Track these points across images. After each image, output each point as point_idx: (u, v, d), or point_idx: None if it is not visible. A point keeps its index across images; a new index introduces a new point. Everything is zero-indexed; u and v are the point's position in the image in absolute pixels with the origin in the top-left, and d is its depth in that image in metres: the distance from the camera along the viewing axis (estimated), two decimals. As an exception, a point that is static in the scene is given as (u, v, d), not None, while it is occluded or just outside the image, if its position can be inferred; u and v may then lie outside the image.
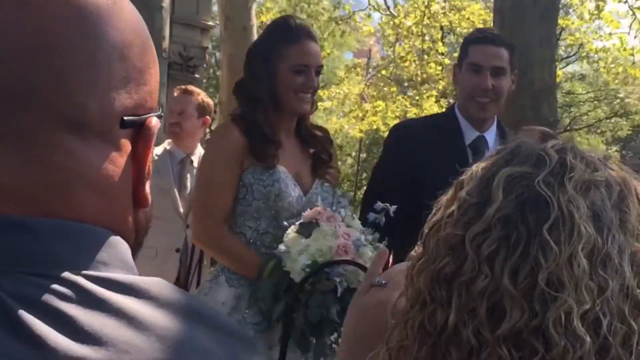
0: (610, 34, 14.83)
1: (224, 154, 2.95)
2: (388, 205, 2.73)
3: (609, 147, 26.47)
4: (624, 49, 14.20)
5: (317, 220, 2.72)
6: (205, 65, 10.48)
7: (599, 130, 25.64)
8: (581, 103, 24.19)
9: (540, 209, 0.96)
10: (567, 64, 22.22)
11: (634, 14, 13.13)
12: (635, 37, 14.13)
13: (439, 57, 16.16)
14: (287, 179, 2.96)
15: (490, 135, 3.37)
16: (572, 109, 24.30)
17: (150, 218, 0.85)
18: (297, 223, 2.76)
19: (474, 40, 3.40)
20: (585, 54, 18.15)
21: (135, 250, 0.80)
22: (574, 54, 21.49)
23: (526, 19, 8.16)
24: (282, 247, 2.71)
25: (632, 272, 0.96)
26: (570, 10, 16.22)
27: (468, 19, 15.48)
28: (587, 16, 14.17)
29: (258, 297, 2.83)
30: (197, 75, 9.68)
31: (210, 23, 10.48)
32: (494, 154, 1.07)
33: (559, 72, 16.87)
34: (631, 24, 13.63)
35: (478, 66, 3.29)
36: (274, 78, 2.98)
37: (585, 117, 24.97)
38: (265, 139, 2.95)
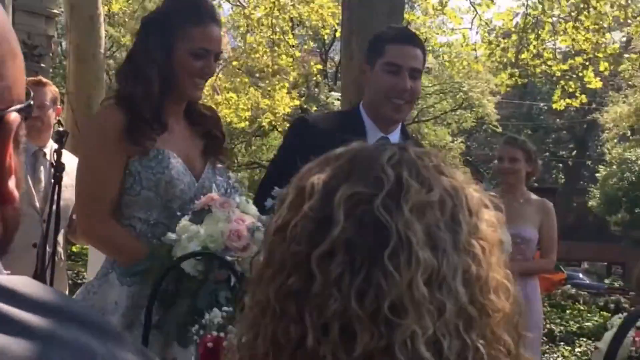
0: (453, 30, 15.39)
1: (106, 139, 2.68)
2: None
3: (455, 138, 27.44)
4: (467, 44, 14.76)
5: (209, 207, 2.58)
6: (51, 54, 10.14)
7: (445, 122, 26.52)
8: (428, 95, 24.93)
9: (379, 234, 0.99)
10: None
11: (475, 10, 13.65)
12: (477, 32, 14.70)
13: (290, 49, 16.26)
14: (177, 165, 2.74)
15: (394, 137, 3.26)
16: (419, 101, 24.99)
17: (19, 213, 0.83)
18: (190, 211, 2.61)
19: (391, 39, 3.21)
20: (430, 48, 18.71)
21: (5, 247, 0.78)
22: (419, 48, 22.08)
23: (374, 13, 8.34)
24: (171, 235, 2.56)
25: (465, 291, 1.00)
26: (416, 6, 16.72)
27: (317, 11, 15.65)
28: (431, 12, 14.61)
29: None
30: (43, 65, 9.34)
31: (56, 11, 10.12)
32: (334, 157, 1.09)
33: (406, 65, 17.30)
34: (473, 20, 14.18)
35: (396, 66, 3.14)
36: (169, 57, 2.75)
37: (432, 109, 25.78)
38: (146, 121, 2.71)
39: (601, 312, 14.82)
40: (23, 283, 0.71)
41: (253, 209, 2.63)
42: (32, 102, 0.84)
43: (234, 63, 18.10)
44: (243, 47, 17.41)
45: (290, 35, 16.47)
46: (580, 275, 32.67)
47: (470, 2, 13.51)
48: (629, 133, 27.68)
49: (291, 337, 0.99)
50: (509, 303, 1.05)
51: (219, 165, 2.94)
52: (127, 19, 20.47)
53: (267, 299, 1.02)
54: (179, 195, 2.73)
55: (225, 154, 3.00)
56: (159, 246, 2.62)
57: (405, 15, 12.01)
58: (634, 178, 30.61)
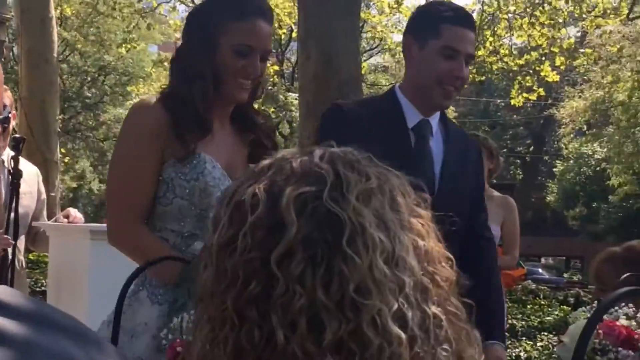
0: (409, 28, 15.40)
1: (144, 136, 2.46)
2: None
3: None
4: (423, 42, 14.81)
5: None
6: (3, 59, 9.96)
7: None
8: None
9: (334, 225, 1.03)
10: (370, 56, 22.89)
11: (430, 8, 13.69)
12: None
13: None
14: (214, 171, 2.50)
15: (434, 120, 3.03)
16: (377, 100, 25.03)
17: None
18: None
19: (448, 19, 2.92)
20: (387, 46, 18.75)
21: None
22: (376, 47, 22.16)
23: (330, 12, 8.31)
24: (199, 245, 2.35)
25: (418, 264, 1.07)
26: (371, 4, 16.73)
27: (273, 10, 15.57)
28: (387, 10, 14.64)
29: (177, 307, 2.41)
30: (-7, 71, 9.16)
31: (7, 15, 9.95)
32: (265, 168, 1.12)
33: (364, 64, 17.36)
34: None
35: (455, 51, 2.90)
36: (214, 55, 2.54)
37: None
38: (196, 120, 2.48)
39: (561, 306, 14.97)
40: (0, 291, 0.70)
41: None
42: (10, 112, 0.78)
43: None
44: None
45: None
46: (540, 270, 33.00)
47: (426, 1, 13.53)
48: (585, 128, 28.01)
49: (255, 341, 1.02)
50: (453, 271, 1.13)
51: None
52: (80, 22, 20.22)
53: (224, 311, 1.05)
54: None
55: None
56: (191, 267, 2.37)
57: (361, 14, 12.00)
58: (590, 172, 31.00)
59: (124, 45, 16.61)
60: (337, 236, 1.03)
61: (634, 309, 2.80)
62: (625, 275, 2.79)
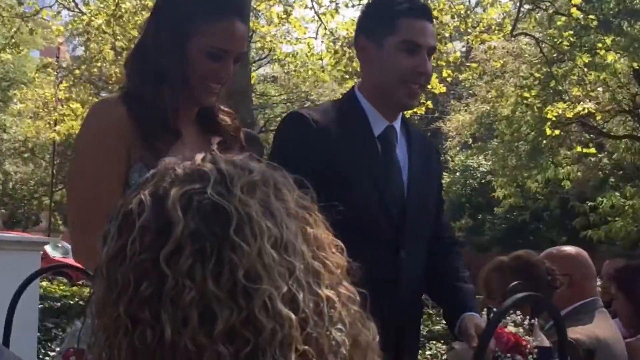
0: (298, 39, 15.43)
1: (106, 138, 2.24)
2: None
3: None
4: (312, 54, 14.84)
5: None
6: None
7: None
8: (274, 105, 24.99)
9: (221, 218, 1.06)
10: (260, 67, 22.83)
11: (320, 19, 13.74)
12: (322, 42, 14.81)
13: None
14: None
15: (397, 124, 2.85)
16: (266, 111, 25.02)
17: None
18: None
19: (404, 12, 2.73)
20: (276, 57, 18.73)
21: None
22: (265, 57, 22.12)
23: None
24: None
25: (307, 249, 1.12)
26: (260, 14, 16.66)
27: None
28: (276, 20, 14.61)
29: None
30: None
31: None
32: (147, 180, 1.14)
33: (253, 74, 17.28)
34: (317, 30, 14.26)
35: (415, 45, 2.69)
36: (182, 55, 2.31)
37: (279, 118, 25.83)
38: (164, 125, 2.28)
39: None
40: None
41: None
42: None
43: (76, 72, 17.47)
44: (84, 56, 16.87)
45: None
46: (428, 279, 33.40)
47: (315, 12, 13.60)
48: (470, 141, 28.69)
49: (148, 341, 1.04)
50: (344, 258, 1.18)
51: None
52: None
53: (117, 318, 1.06)
54: None
55: None
56: None
57: (250, 24, 11.91)
58: (476, 185, 31.74)
59: (8, 50, 16.06)
60: (225, 227, 1.06)
61: (521, 316, 2.83)
62: (513, 283, 2.82)
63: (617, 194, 21.55)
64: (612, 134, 20.91)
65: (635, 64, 16.21)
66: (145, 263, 1.05)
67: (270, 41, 16.40)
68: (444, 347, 11.33)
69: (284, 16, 13.91)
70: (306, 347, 1.07)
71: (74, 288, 11.88)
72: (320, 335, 1.08)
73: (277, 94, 24.60)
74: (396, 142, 2.80)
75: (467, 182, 32.58)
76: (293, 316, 1.05)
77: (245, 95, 8.55)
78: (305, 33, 14.76)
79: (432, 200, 2.94)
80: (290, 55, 15.86)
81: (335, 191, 2.29)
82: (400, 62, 2.69)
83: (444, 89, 13.65)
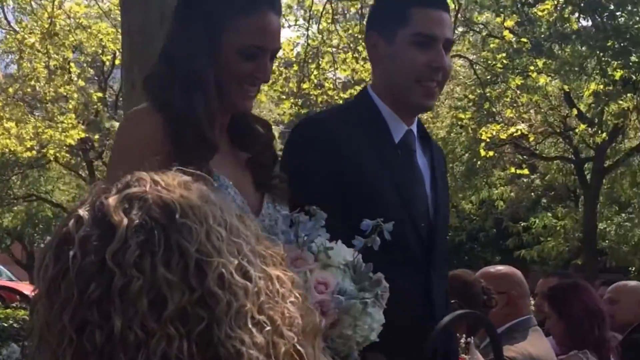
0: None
1: (137, 153, 1.88)
2: (381, 221, 1.95)
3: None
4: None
5: None
6: None
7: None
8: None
9: (165, 208, 1.09)
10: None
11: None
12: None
13: (71, 76, 15.66)
14: (236, 198, 2.03)
15: (414, 128, 2.56)
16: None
17: None
18: None
19: (418, 1, 2.46)
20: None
21: None
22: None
23: (155, 41, 8.13)
24: None
25: (251, 234, 1.16)
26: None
27: (96, 37, 15.21)
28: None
29: None
30: None
31: None
32: (74, 208, 1.14)
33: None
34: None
35: (429, 38, 2.42)
36: (215, 55, 2.07)
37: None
38: (202, 137, 2.03)
39: None
40: None
41: (339, 255, 1.88)
42: None
43: (10, 90, 17.14)
44: (17, 74, 16.58)
45: (72, 64, 15.88)
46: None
47: None
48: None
49: (97, 341, 1.05)
50: (280, 248, 1.22)
51: (278, 203, 2.15)
52: None
53: (61, 331, 1.06)
54: None
55: (283, 187, 2.21)
56: None
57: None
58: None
59: None
60: (170, 215, 1.09)
61: (457, 335, 2.87)
62: (451, 302, 2.86)
63: (549, 214, 21.96)
64: (544, 155, 21.31)
65: (566, 87, 16.57)
66: (91, 267, 1.06)
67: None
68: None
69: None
70: (261, 316, 1.09)
71: (8, 310, 11.62)
72: (273, 307, 1.11)
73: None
74: (414, 149, 2.55)
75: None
76: (248, 284, 1.08)
77: (182, 114, 8.45)
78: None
79: (448, 211, 2.71)
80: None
81: (359, 207, 2.20)
82: (414, 58, 2.42)
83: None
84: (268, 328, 1.09)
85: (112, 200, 1.11)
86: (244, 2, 2.09)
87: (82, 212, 1.11)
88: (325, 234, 1.92)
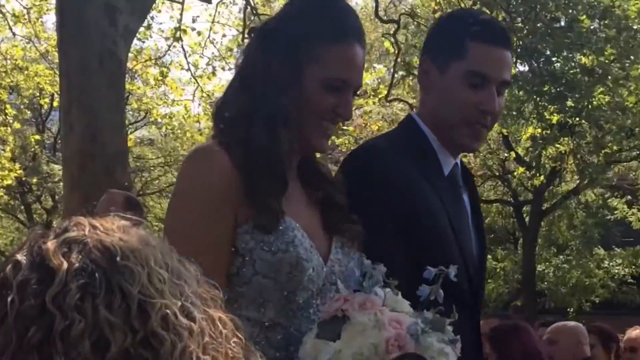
0: (175, 101, 15.36)
1: (211, 196, 1.84)
2: (445, 268, 1.84)
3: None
4: (189, 116, 14.78)
5: (344, 312, 1.74)
6: None
7: (170, 195, 26.27)
8: (152, 168, 24.63)
9: (105, 251, 1.09)
10: (136, 129, 22.55)
11: (196, 82, 13.72)
12: (199, 104, 14.78)
13: (7, 119, 15.43)
14: (304, 241, 1.87)
15: (459, 161, 2.43)
16: (143, 174, 24.62)
17: None
18: (316, 324, 1.78)
19: (479, 34, 2.27)
20: (153, 119, 18.56)
21: None
22: (141, 119, 21.86)
23: (93, 83, 8.06)
24: (282, 340, 1.82)
25: (195, 275, 1.18)
26: (136, 76, 16.51)
27: (34, 79, 15.03)
28: (152, 82, 14.51)
29: None
30: None
31: None
32: (9, 255, 1.12)
33: (130, 136, 17.04)
34: (194, 92, 14.22)
35: (484, 78, 2.25)
36: (299, 87, 1.91)
37: (157, 181, 25.48)
38: (276, 177, 1.88)
39: None
40: None
41: (406, 304, 1.79)
42: None
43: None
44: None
45: (8, 106, 15.65)
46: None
47: (192, 74, 13.56)
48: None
49: None
50: (219, 292, 1.22)
51: (348, 246, 1.99)
52: None
53: None
54: (306, 285, 1.85)
55: (355, 229, 2.02)
56: None
57: (127, 86, 11.78)
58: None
59: None
60: (111, 258, 1.09)
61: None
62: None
63: (489, 256, 22.18)
64: (483, 198, 21.58)
65: (504, 130, 16.86)
66: (31, 310, 1.05)
67: (147, 103, 16.25)
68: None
69: (161, 78, 13.82)
70: (205, 357, 1.10)
71: None
72: (217, 348, 1.12)
73: (154, 157, 24.27)
74: (460, 183, 2.40)
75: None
76: (192, 324, 1.09)
77: (123, 158, 8.36)
78: (182, 95, 14.71)
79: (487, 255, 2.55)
80: (167, 117, 15.74)
81: (420, 240, 2.09)
82: (463, 97, 2.26)
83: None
84: None
85: (50, 244, 1.10)
86: (333, 31, 1.94)
87: (20, 257, 1.10)
88: (384, 288, 1.83)
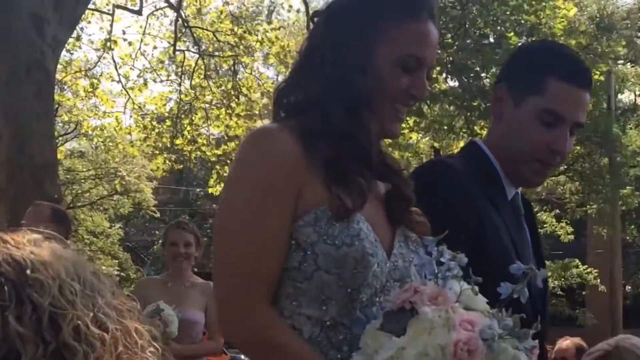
0: (106, 113, 15.17)
1: (274, 181, 1.68)
2: (534, 267, 1.68)
3: (113, 224, 26.92)
4: (121, 128, 14.61)
5: (412, 304, 1.57)
6: None
7: (101, 208, 25.92)
8: (82, 180, 24.28)
9: (14, 264, 1.09)
10: (66, 141, 22.21)
11: (127, 94, 13.57)
12: (130, 117, 14.60)
13: None
14: (369, 234, 1.71)
15: (519, 190, 2.38)
16: (74, 186, 24.26)
17: None
18: (382, 312, 1.62)
19: (561, 72, 2.21)
20: (83, 131, 18.28)
21: None
22: (71, 131, 21.55)
23: (21, 94, 7.93)
24: (357, 357, 1.60)
25: (108, 290, 1.17)
26: (66, 87, 16.26)
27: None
28: (82, 94, 14.31)
29: None
30: None
31: None
32: None
33: (60, 148, 16.76)
34: (126, 104, 14.06)
35: (559, 118, 2.19)
36: (370, 68, 1.78)
37: (88, 194, 25.12)
38: (362, 161, 1.76)
39: None
40: None
41: (483, 303, 1.62)
42: None
43: None
44: None
45: None
46: (242, 357, 33.45)
47: (123, 86, 13.42)
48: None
49: None
50: (137, 304, 1.21)
51: (410, 239, 1.85)
52: None
53: None
54: (370, 282, 1.70)
55: (422, 222, 1.89)
56: None
57: (56, 97, 11.60)
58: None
59: None
60: (21, 271, 1.08)
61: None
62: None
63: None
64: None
65: (436, 144, 17.07)
66: None
67: (77, 115, 16.00)
68: None
69: (91, 89, 13.63)
70: None
71: None
72: (132, 358, 1.12)
73: (85, 170, 23.91)
74: (521, 210, 2.36)
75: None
76: (105, 335, 1.09)
77: (51, 169, 8.23)
78: (113, 107, 14.52)
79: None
80: (98, 129, 15.53)
81: (487, 262, 1.92)
82: (536, 134, 2.22)
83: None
84: None
85: None
86: (405, 7, 1.82)
87: None
88: (461, 282, 1.65)
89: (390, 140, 14.72)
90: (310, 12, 10.26)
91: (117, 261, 25.89)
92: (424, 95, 1.88)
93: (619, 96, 22.26)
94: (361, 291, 1.68)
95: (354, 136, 1.76)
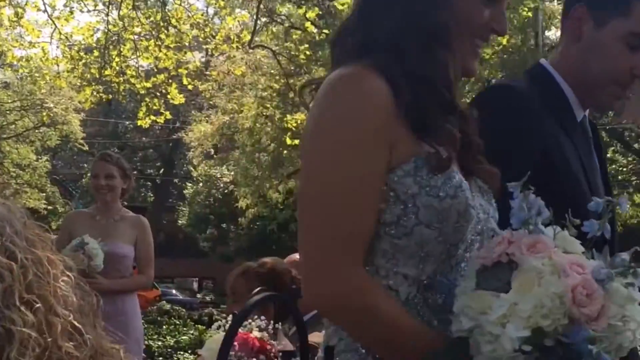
0: (32, 43, 14.73)
1: (368, 130, 1.52)
2: (613, 200, 1.54)
3: (40, 157, 26.48)
4: (47, 59, 14.23)
5: (509, 256, 1.43)
6: None
7: (28, 140, 25.44)
8: (8, 112, 23.73)
9: None
10: (-10, 72, 21.61)
11: (54, 23, 13.20)
12: (57, 47, 14.24)
13: None
14: (466, 184, 1.58)
15: (587, 113, 2.31)
16: (-1, 118, 23.71)
17: None
18: (474, 272, 1.47)
19: None
20: (8, 61, 17.78)
21: None
22: (-4, 62, 20.94)
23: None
24: (463, 320, 1.43)
25: (18, 220, 1.16)
26: (-9, 16, 15.74)
27: None
28: (7, 23, 13.86)
29: None
30: None
31: None
32: None
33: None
34: (52, 34, 13.68)
35: None
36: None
37: (13, 126, 24.59)
38: (450, 108, 1.62)
39: (196, 325, 15.56)
40: None
41: (577, 244, 1.48)
42: None
43: None
44: None
45: None
46: (174, 291, 33.61)
47: (49, 15, 13.03)
48: (212, 151, 28.84)
49: None
50: (50, 235, 1.22)
51: (483, 190, 1.70)
52: None
53: None
54: (467, 237, 1.58)
55: (491, 170, 1.72)
56: (456, 342, 1.45)
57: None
58: (219, 195, 31.97)
59: None
60: None
61: (265, 321, 2.87)
62: (256, 289, 2.85)
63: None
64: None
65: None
66: None
67: (1, 45, 15.52)
68: (192, 356, 11.38)
69: (15, 19, 13.20)
70: (30, 295, 1.10)
71: None
72: (44, 287, 1.12)
73: (10, 101, 23.33)
74: (589, 133, 2.29)
75: (211, 192, 32.76)
76: (13, 264, 1.08)
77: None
78: (39, 37, 14.09)
79: None
80: (24, 60, 15.10)
81: (557, 191, 1.78)
82: (620, 58, 2.14)
83: (182, 100, 13.60)
84: (38, 306, 1.09)
85: None
86: None
87: None
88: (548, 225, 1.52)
89: (322, 74, 14.67)
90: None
91: (44, 194, 25.55)
92: (506, 28, 1.74)
93: (547, 33, 22.52)
94: (459, 247, 1.58)
95: (434, 78, 1.60)
